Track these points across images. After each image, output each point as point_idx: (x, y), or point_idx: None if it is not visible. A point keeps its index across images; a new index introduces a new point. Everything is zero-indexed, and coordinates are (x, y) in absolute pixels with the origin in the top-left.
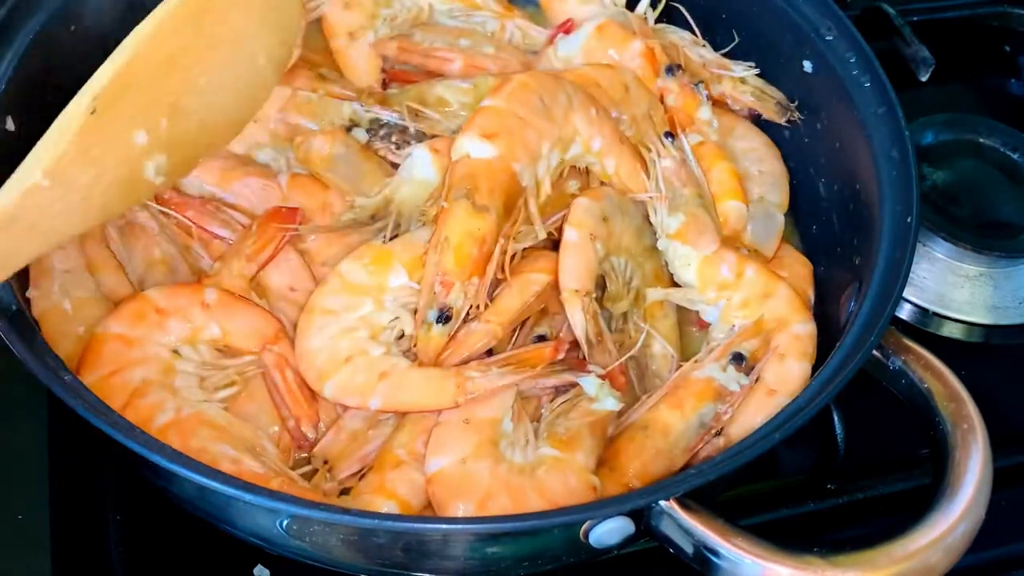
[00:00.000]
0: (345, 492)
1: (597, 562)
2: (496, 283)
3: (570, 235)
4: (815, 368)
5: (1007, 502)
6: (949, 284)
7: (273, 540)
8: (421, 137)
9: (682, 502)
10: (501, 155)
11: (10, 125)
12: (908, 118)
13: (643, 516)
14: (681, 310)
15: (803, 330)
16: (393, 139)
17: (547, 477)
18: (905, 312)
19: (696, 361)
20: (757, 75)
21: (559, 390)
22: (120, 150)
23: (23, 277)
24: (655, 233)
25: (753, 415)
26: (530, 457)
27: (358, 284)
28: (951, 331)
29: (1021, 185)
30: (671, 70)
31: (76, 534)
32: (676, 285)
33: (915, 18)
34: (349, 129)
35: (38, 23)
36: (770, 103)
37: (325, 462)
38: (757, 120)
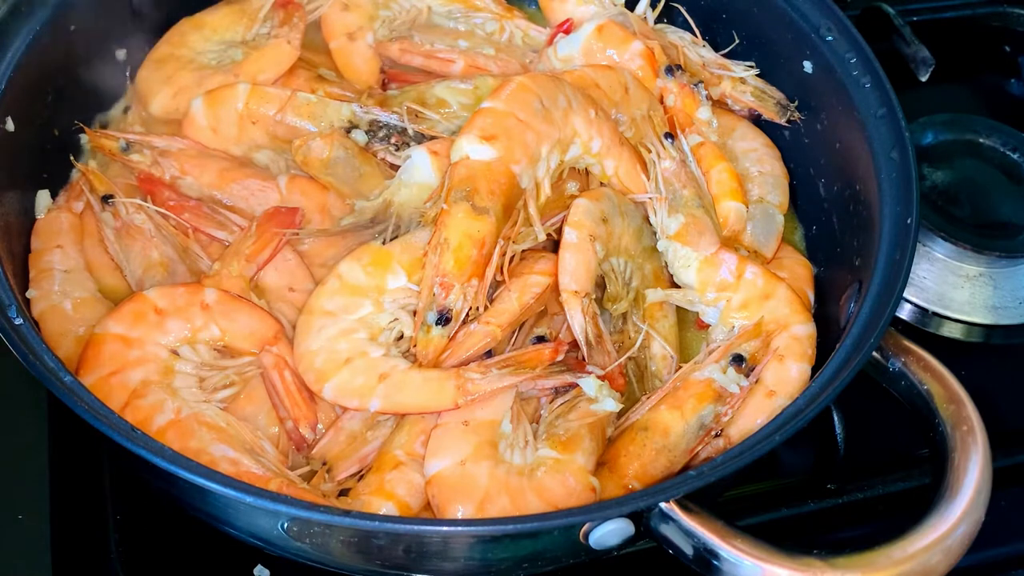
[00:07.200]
0: (344, 493)
1: (597, 563)
2: (496, 284)
3: (570, 236)
4: (815, 369)
5: (1007, 502)
6: (949, 284)
7: (273, 541)
8: (420, 139)
9: (682, 504)
10: (500, 157)
11: (10, 126)
12: (908, 118)
13: (643, 518)
14: (681, 311)
15: (803, 331)
16: (392, 141)
17: (546, 478)
18: (905, 312)
19: (696, 362)
20: (757, 75)
21: (558, 391)
22: None
23: (23, 277)
24: (655, 234)
25: (753, 417)
26: (529, 458)
27: (357, 285)
28: (951, 331)
29: (1021, 185)
30: (671, 70)
31: (76, 534)
32: (676, 286)
33: (915, 18)
34: (348, 131)
35: (37, 23)
36: (770, 103)
37: (324, 463)
38: (757, 120)
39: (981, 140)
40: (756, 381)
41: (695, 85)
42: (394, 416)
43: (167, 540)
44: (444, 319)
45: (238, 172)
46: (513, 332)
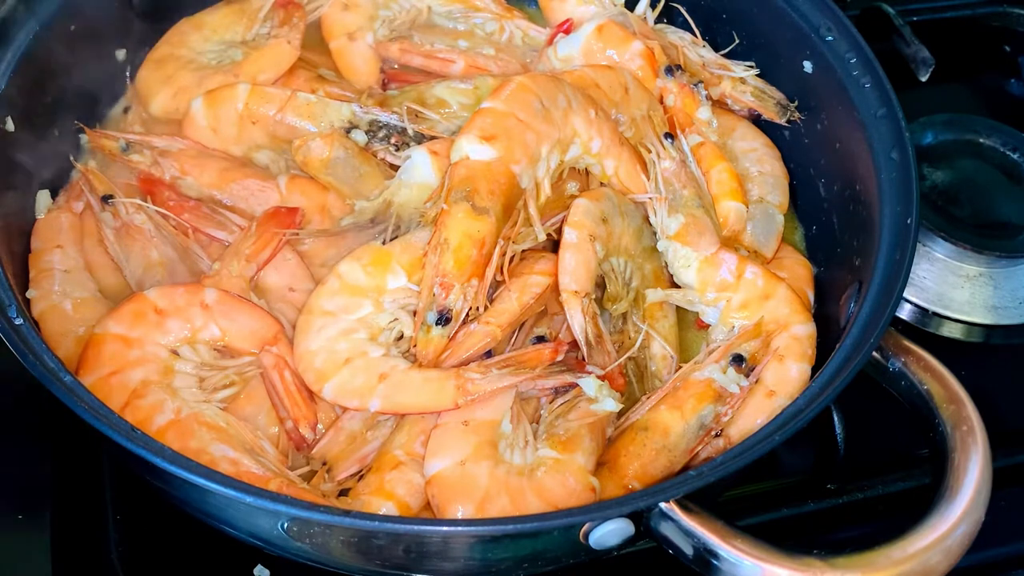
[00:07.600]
0: (344, 493)
1: (597, 563)
2: (496, 284)
3: (570, 236)
4: (815, 369)
5: (1007, 502)
6: (949, 284)
7: (273, 541)
8: (420, 139)
9: (682, 504)
10: (500, 157)
11: (10, 126)
12: (908, 118)
13: (643, 518)
14: (681, 311)
15: (803, 331)
16: (392, 141)
17: (546, 478)
18: (905, 312)
19: (696, 362)
20: (757, 75)
21: (558, 391)
22: None
23: (23, 277)
24: (655, 234)
25: (753, 417)
26: (529, 458)
27: (357, 285)
28: (951, 331)
29: (1021, 185)
30: (670, 70)
31: (76, 534)
32: (676, 286)
33: (915, 18)
34: (348, 131)
35: (37, 23)
36: (770, 103)
37: (324, 463)
38: (757, 120)
39: (981, 140)
40: (756, 381)
41: (695, 85)
42: (394, 416)
43: (167, 540)
44: (444, 319)
45: (238, 172)
46: (513, 332)
